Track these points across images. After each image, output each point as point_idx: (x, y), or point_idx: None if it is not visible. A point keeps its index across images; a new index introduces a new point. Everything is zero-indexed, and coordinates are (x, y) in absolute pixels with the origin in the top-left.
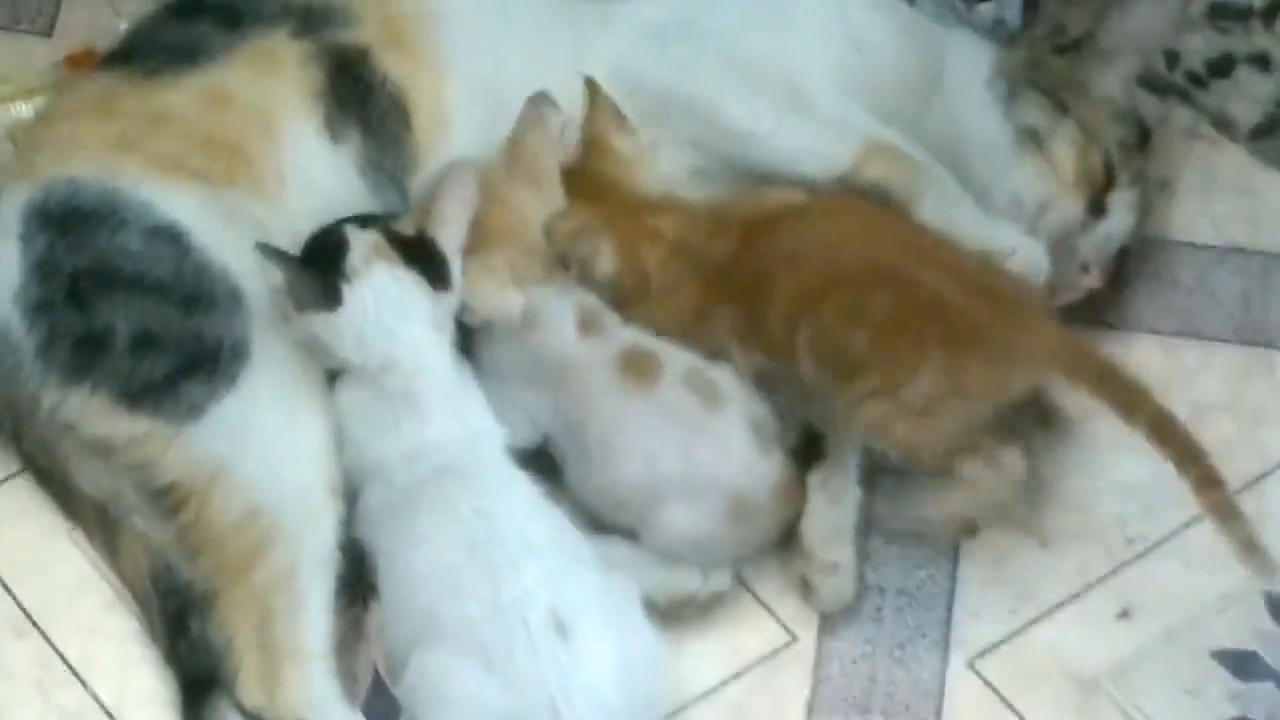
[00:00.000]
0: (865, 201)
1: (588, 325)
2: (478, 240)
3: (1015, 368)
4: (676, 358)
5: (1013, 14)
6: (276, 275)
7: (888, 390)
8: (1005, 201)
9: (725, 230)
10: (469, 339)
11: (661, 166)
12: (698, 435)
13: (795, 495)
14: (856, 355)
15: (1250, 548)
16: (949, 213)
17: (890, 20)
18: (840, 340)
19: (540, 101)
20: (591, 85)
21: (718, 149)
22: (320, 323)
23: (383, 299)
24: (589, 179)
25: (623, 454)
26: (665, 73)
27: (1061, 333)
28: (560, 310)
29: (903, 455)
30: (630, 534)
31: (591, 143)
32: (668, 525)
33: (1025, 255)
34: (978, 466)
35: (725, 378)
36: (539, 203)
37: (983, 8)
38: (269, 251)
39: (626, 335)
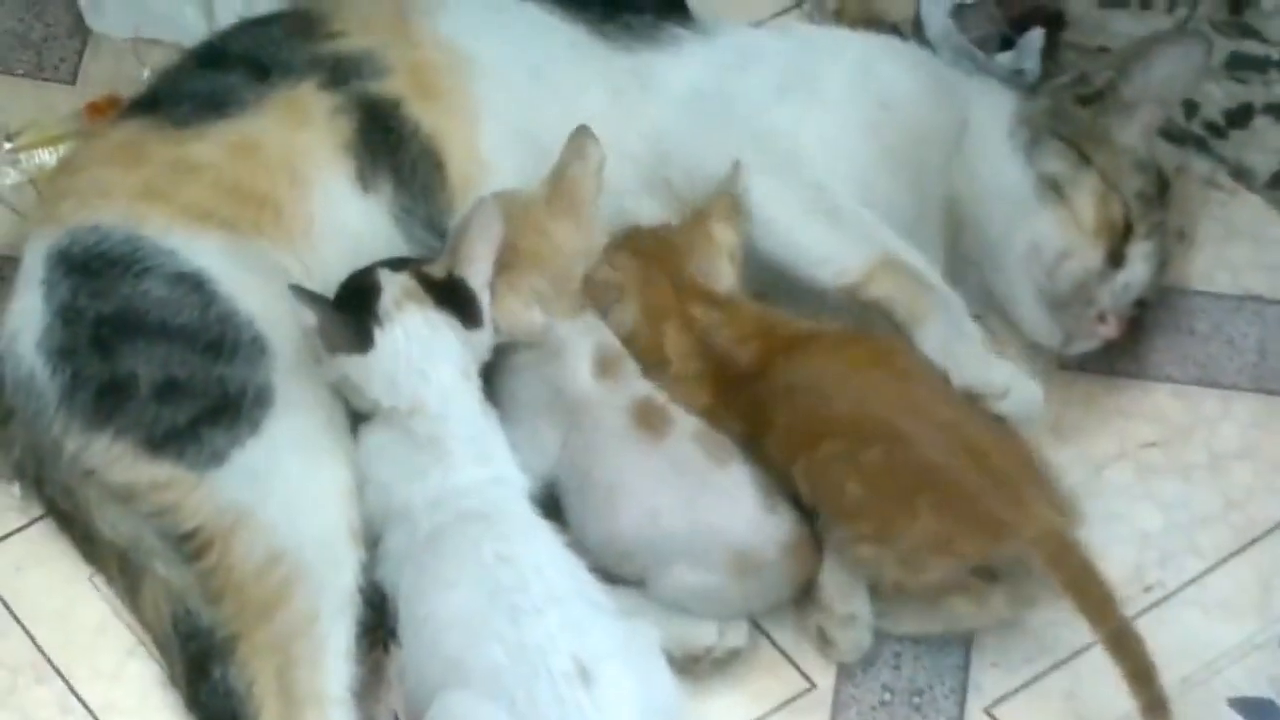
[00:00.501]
0: (878, 340)
1: (607, 367)
2: (508, 262)
3: (1003, 543)
4: (685, 416)
5: (1031, 63)
6: (308, 317)
7: (879, 539)
8: (1024, 250)
9: (752, 341)
10: (490, 374)
11: None
12: (703, 489)
13: (807, 554)
14: (850, 501)
15: None
16: (950, 344)
17: (915, 74)
18: (834, 483)
19: (583, 135)
20: (735, 169)
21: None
22: (352, 365)
23: (414, 341)
24: (665, 243)
25: (625, 505)
26: (696, 146)
27: (1051, 518)
28: (580, 346)
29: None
30: (637, 583)
31: (696, 215)
32: (672, 581)
33: (1019, 396)
34: (963, 602)
35: (729, 443)
36: (573, 234)
37: (1001, 57)
38: (301, 293)
39: (642, 386)
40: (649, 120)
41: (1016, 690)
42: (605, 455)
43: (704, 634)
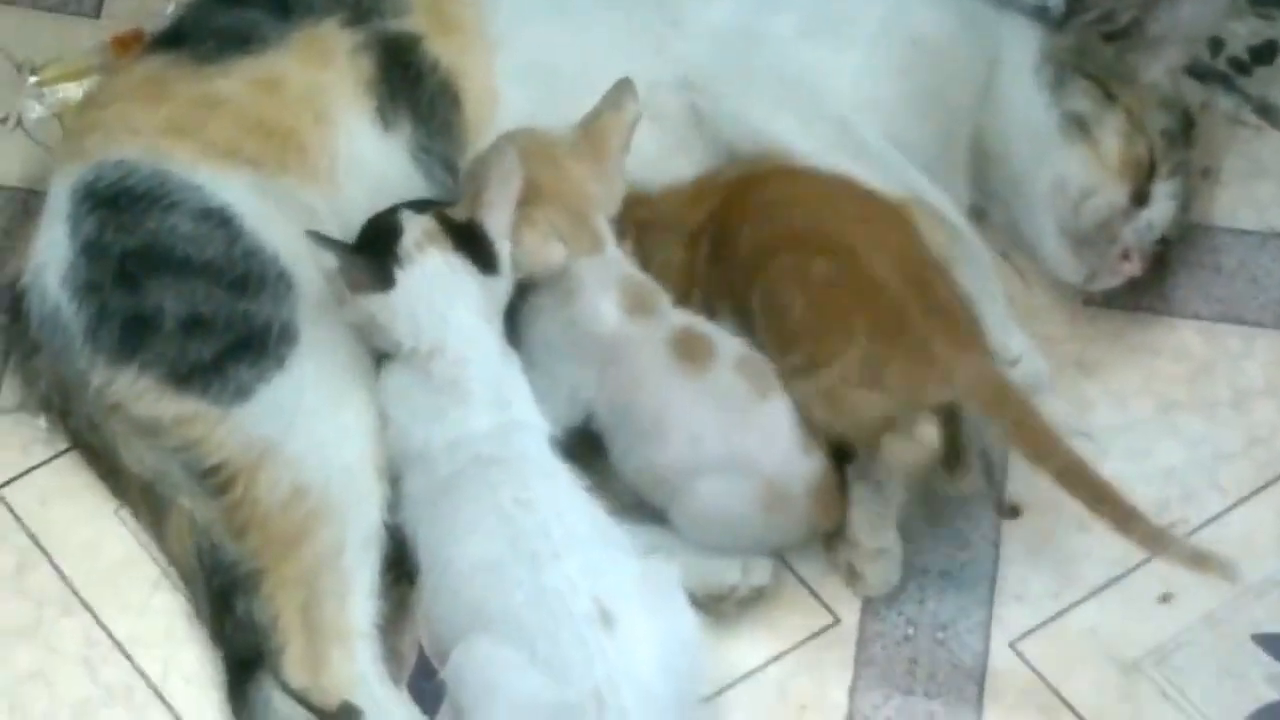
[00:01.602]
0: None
1: (637, 304)
2: (527, 197)
3: (933, 380)
4: (729, 343)
5: None
6: (328, 259)
7: (813, 365)
8: (1049, 187)
9: (707, 196)
10: (515, 319)
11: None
12: (745, 420)
13: (831, 500)
14: (793, 321)
15: (1198, 559)
16: (978, 292)
17: (946, 10)
18: (782, 303)
19: (623, 87)
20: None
21: (754, 156)
22: (375, 304)
23: (434, 282)
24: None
25: (670, 433)
26: (724, 84)
27: (988, 365)
28: (597, 284)
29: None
30: (661, 518)
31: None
32: (700, 498)
33: (1028, 368)
34: (894, 439)
35: (774, 375)
36: (595, 178)
37: None
38: (319, 239)
39: (679, 317)
40: (675, 56)
41: (1041, 625)
42: (648, 386)
43: (728, 573)
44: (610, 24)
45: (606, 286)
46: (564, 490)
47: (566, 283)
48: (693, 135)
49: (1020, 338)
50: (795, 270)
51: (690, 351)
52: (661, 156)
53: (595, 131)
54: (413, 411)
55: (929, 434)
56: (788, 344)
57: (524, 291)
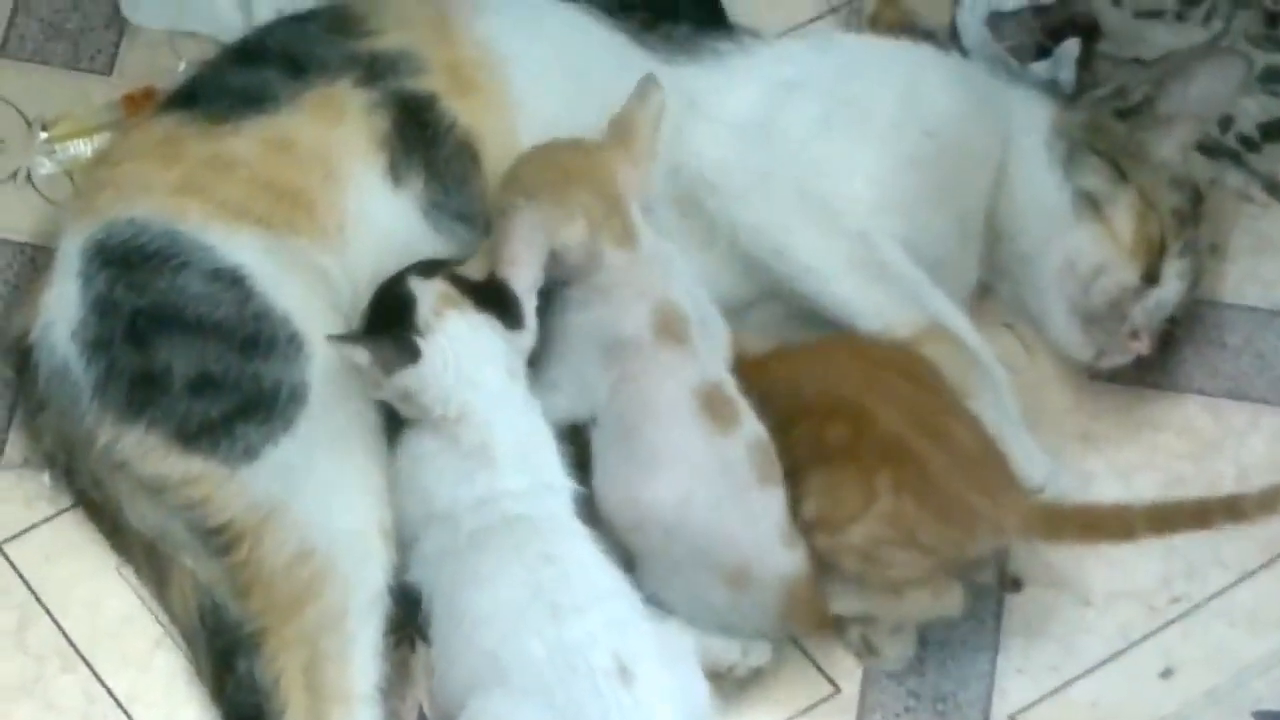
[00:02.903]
0: (843, 334)
1: (667, 329)
2: (558, 180)
3: (976, 531)
4: (752, 422)
5: (1066, 74)
6: (358, 354)
7: (837, 526)
8: (1059, 265)
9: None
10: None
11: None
12: (736, 499)
13: (804, 607)
14: (814, 484)
15: None
16: (995, 424)
17: (958, 94)
18: (801, 470)
19: (648, 81)
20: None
21: (773, 271)
22: (407, 379)
23: (458, 346)
24: None
25: (663, 473)
26: (743, 189)
27: (1022, 495)
28: (634, 289)
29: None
30: (627, 561)
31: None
32: (672, 554)
33: (1054, 488)
34: (922, 594)
35: (778, 463)
36: (624, 161)
37: (1036, 66)
38: (341, 338)
39: (715, 369)
40: (690, 141)
41: (1042, 698)
42: (661, 419)
43: (728, 652)
44: (625, 95)
45: (640, 294)
46: (587, 549)
47: (600, 279)
48: (689, 229)
49: (1041, 459)
50: (811, 438)
51: (716, 410)
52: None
53: (623, 123)
54: (439, 475)
55: (955, 599)
56: (809, 499)
57: (556, 283)
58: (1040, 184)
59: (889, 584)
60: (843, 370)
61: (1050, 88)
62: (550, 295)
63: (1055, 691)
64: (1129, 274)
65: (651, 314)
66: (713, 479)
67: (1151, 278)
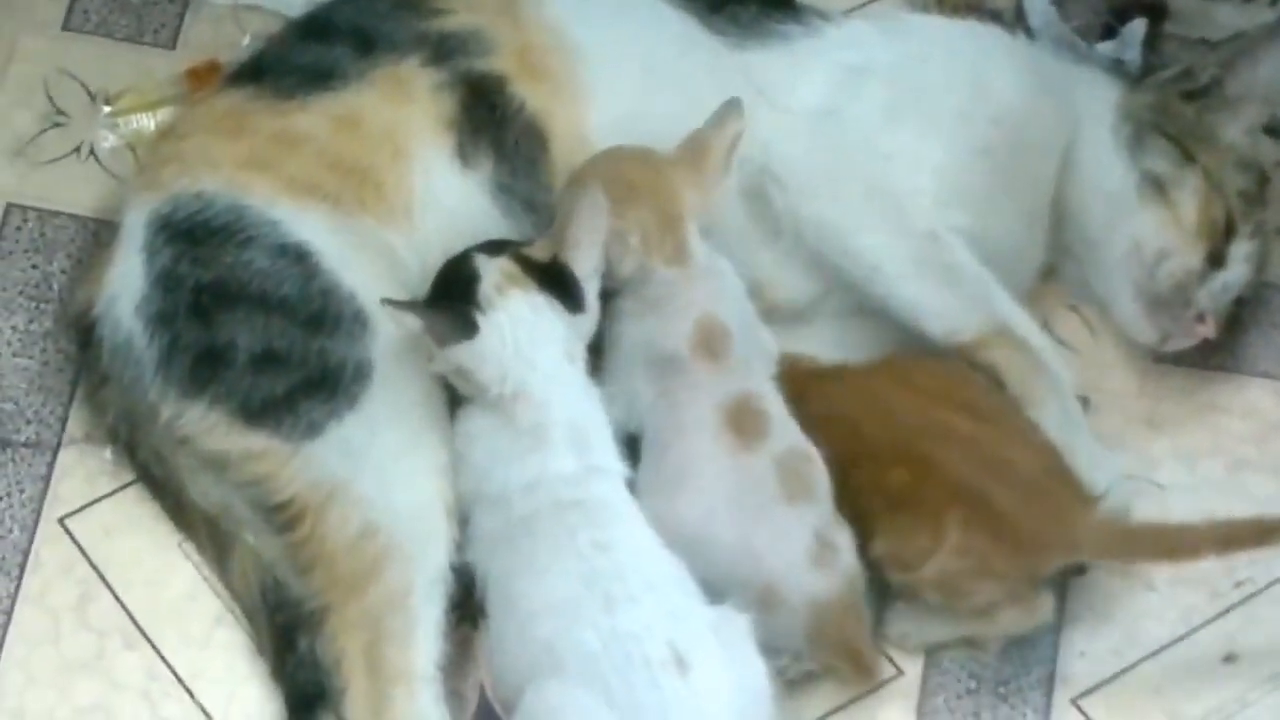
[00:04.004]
0: (898, 361)
1: (709, 345)
2: (619, 196)
3: (1049, 556)
4: (784, 432)
5: (1132, 54)
6: (410, 321)
7: (911, 564)
8: (1125, 249)
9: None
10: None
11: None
12: (761, 517)
13: (837, 618)
14: (882, 526)
15: None
16: (1059, 430)
17: (1026, 80)
18: (866, 510)
19: (729, 106)
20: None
21: (838, 268)
22: (462, 353)
23: (518, 325)
24: None
25: (689, 492)
26: (811, 184)
27: (1091, 516)
28: (681, 304)
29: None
30: None
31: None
32: (704, 570)
33: (1119, 492)
34: (1015, 614)
35: (821, 478)
36: (691, 186)
37: (1102, 46)
38: (396, 303)
39: (748, 381)
40: (758, 127)
41: (1104, 682)
42: (686, 436)
43: (778, 655)
44: (699, 82)
45: (686, 311)
46: (640, 536)
47: (649, 292)
48: (755, 222)
49: (1107, 464)
50: (874, 482)
51: (741, 424)
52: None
53: (697, 143)
54: (493, 454)
55: (1046, 606)
56: (878, 540)
57: (611, 293)
58: (1106, 167)
59: (977, 609)
60: (900, 410)
61: (1116, 69)
62: (606, 304)
63: (1118, 676)
64: (1194, 257)
65: (694, 330)
66: (736, 495)
67: (1217, 261)
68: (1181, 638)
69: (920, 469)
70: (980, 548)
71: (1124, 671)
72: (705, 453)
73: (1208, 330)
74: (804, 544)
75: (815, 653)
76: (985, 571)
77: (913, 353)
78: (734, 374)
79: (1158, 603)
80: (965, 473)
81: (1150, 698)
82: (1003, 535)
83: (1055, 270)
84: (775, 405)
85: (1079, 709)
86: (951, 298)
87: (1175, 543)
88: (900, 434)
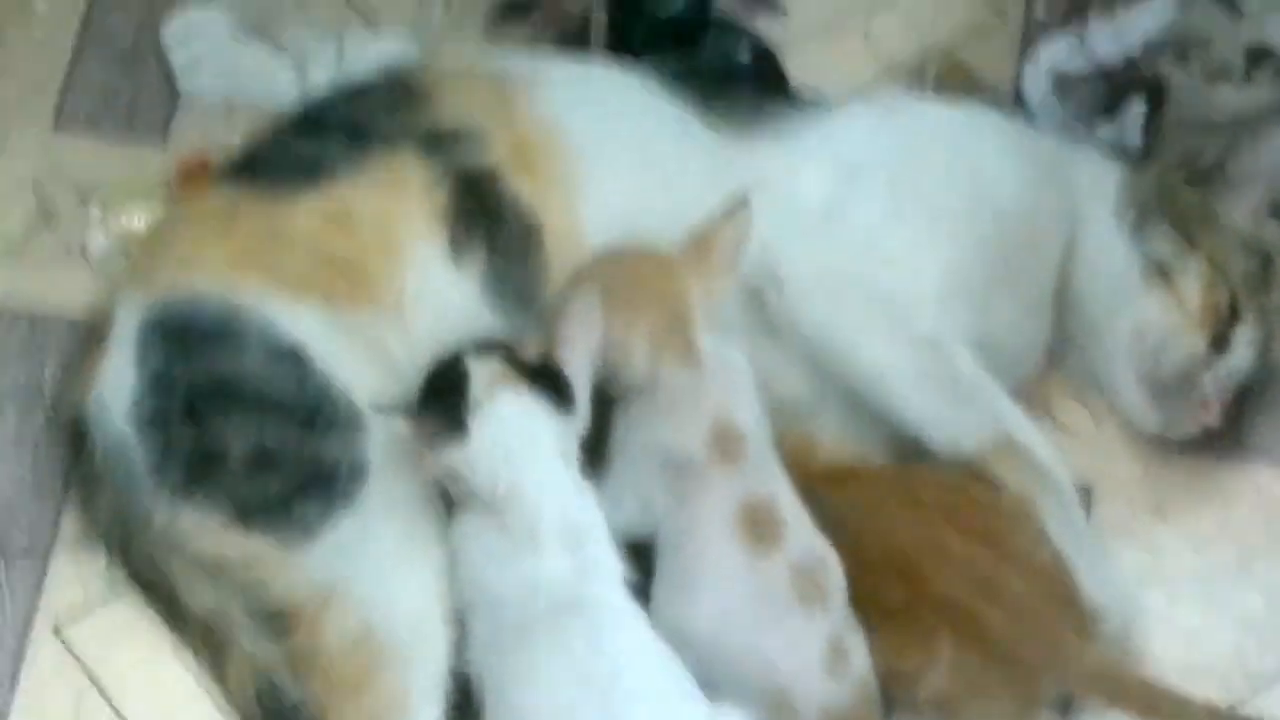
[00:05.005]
0: (900, 472)
1: (725, 446)
2: (625, 299)
3: (1040, 684)
4: (799, 537)
5: (1133, 136)
6: (400, 425)
7: (907, 682)
8: (1128, 335)
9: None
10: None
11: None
12: (774, 624)
13: None
14: (879, 642)
15: None
16: (1062, 544)
17: (1028, 169)
18: (866, 623)
19: (740, 205)
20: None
21: (837, 374)
22: (453, 457)
23: (509, 426)
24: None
25: (701, 599)
26: (810, 286)
27: (1087, 652)
28: (692, 407)
29: None
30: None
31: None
32: (719, 679)
33: (1122, 611)
34: None
35: (836, 582)
36: (698, 278)
37: (1103, 130)
38: (384, 409)
39: (764, 481)
40: (757, 226)
41: None
42: (699, 539)
43: None
44: (695, 177)
45: (700, 414)
46: (636, 637)
47: (657, 395)
48: (752, 320)
49: (1111, 581)
50: (872, 594)
51: (756, 528)
52: None
53: (703, 238)
54: (486, 557)
55: None
56: (876, 654)
57: (617, 398)
58: (1109, 253)
59: None
60: (900, 524)
61: (1117, 152)
62: (611, 408)
63: None
64: (1198, 343)
65: (709, 433)
66: (750, 601)
67: (1221, 346)
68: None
69: (915, 586)
70: (973, 668)
71: None
72: (719, 556)
73: (1212, 417)
74: (817, 651)
75: None
76: (979, 692)
77: (920, 463)
78: (748, 475)
79: None
80: (959, 595)
81: None
82: (994, 657)
83: (1058, 357)
84: (790, 508)
85: None
86: (953, 410)
87: (1159, 708)
88: (898, 548)
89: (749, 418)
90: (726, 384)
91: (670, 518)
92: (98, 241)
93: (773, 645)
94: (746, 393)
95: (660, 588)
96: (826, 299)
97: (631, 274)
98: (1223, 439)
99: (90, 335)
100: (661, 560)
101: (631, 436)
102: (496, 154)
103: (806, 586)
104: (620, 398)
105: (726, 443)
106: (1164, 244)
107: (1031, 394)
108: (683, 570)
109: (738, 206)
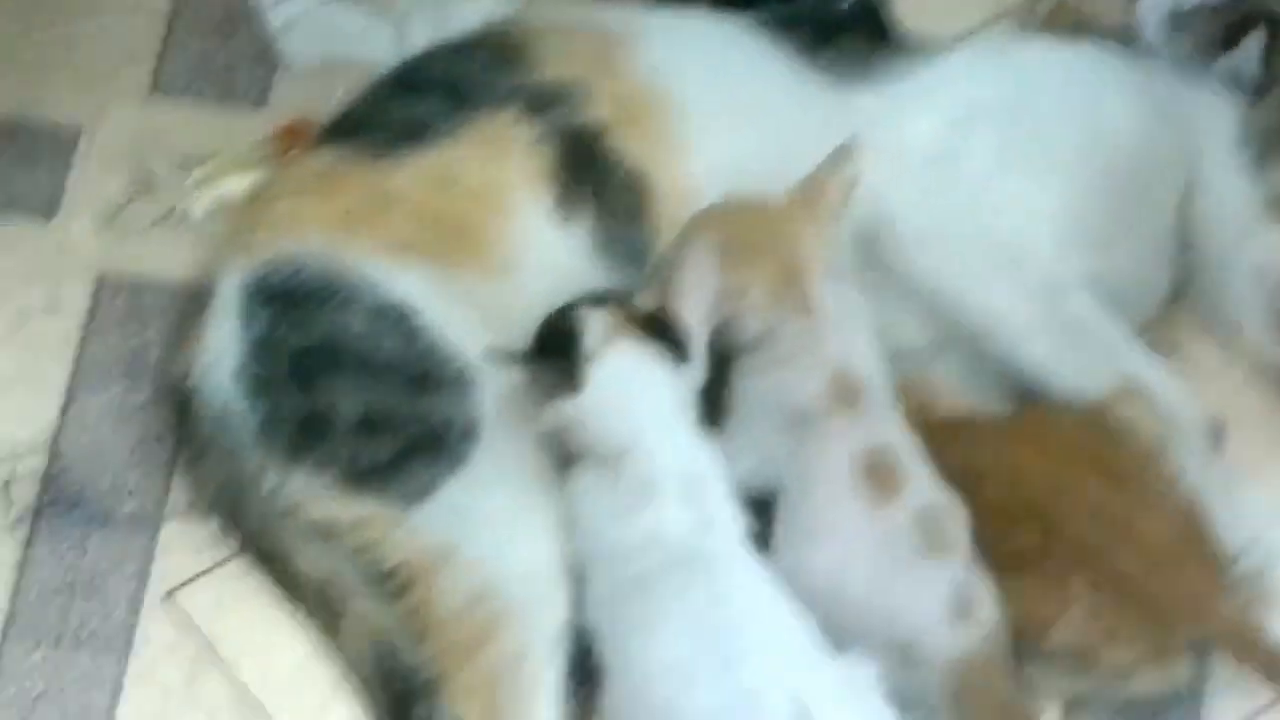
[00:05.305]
0: (1027, 414)
1: (845, 395)
2: (734, 254)
3: (1175, 627)
4: (920, 486)
5: (1251, 68)
6: (514, 374)
7: (1038, 631)
8: (1250, 273)
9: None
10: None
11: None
12: (897, 573)
13: (980, 678)
14: (1009, 592)
15: None
16: (1197, 485)
17: (1143, 106)
18: (994, 573)
19: (846, 147)
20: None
21: (954, 323)
22: (567, 409)
23: (626, 377)
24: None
25: (822, 548)
26: (923, 234)
27: (1223, 606)
28: (810, 357)
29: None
30: None
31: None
32: (842, 631)
33: (1254, 560)
34: (1149, 671)
35: (959, 530)
36: (810, 227)
37: (1221, 64)
38: (500, 355)
39: (885, 431)
40: (868, 175)
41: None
42: (820, 490)
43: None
44: (803, 126)
45: (815, 361)
46: (757, 587)
47: (775, 347)
48: (859, 270)
49: (1247, 522)
50: (1000, 542)
51: (875, 477)
52: None
53: (811, 190)
54: (603, 512)
55: (1182, 672)
56: (1006, 601)
57: (737, 351)
58: (1230, 188)
59: (1111, 673)
60: (1028, 470)
61: (1236, 84)
62: (730, 361)
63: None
64: None
65: (829, 382)
66: (872, 550)
67: None
68: None
69: (1047, 531)
70: (1107, 614)
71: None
72: (841, 506)
73: None
74: (942, 601)
75: (959, 712)
76: (1114, 637)
77: (1046, 407)
78: (868, 424)
79: None
80: (1092, 536)
81: None
82: (1129, 602)
83: (1186, 295)
84: (911, 457)
85: None
86: (1077, 357)
87: None
88: (1026, 493)
89: (868, 365)
90: (845, 331)
91: (791, 468)
92: (198, 208)
93: (895, 595)
94: (865, 339)
95: (782, 539)
96: (941, 247)
97: (745, 225)
98: None
99: (192, 302)
100: (783, 511)
101: (750, 388)
102: (601, 111)
103: (929, 536)
104: (738, 349)
105: (845, 391)
106: None
107: (1160, 332)
108: (803, 521)
109: (846, 151)
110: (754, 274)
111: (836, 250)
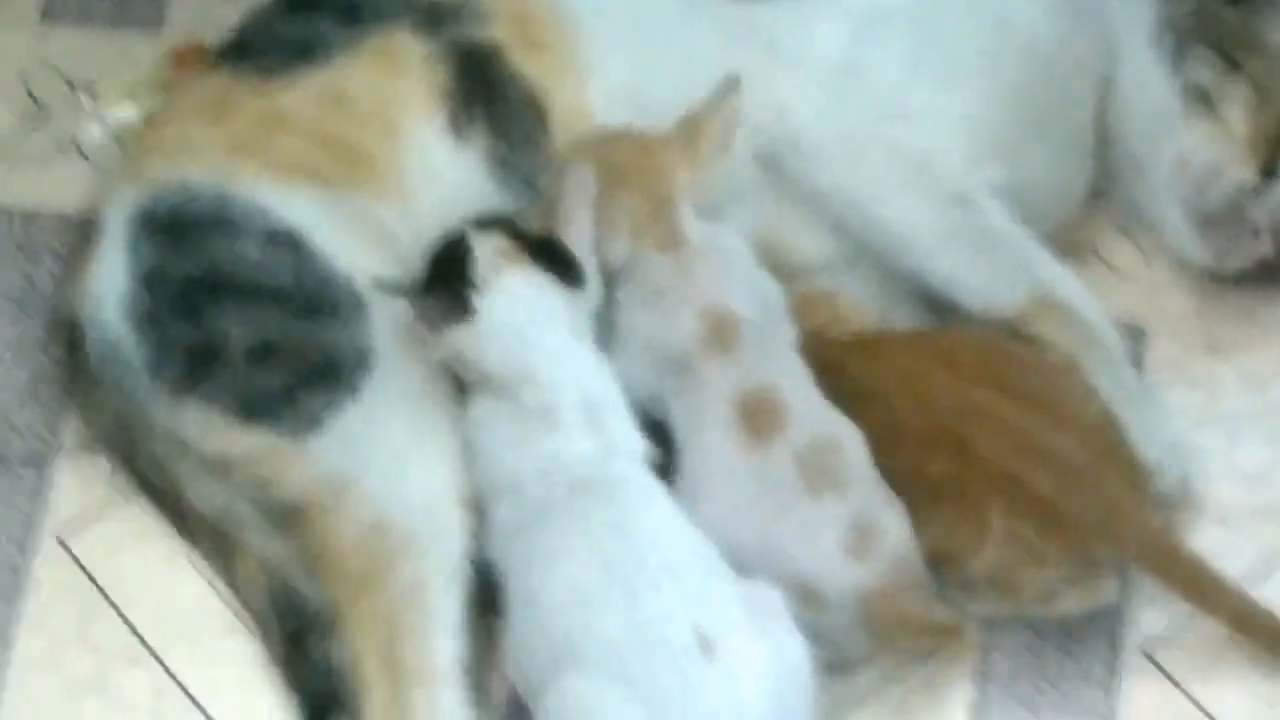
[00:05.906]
0: (940, 336)
1: (720, 334)
2: (606, 178)
3: (1096, 546)
4: (805, 423)
5: None
6: (401, 305)
7: (958, 557)
8: (1171, 166)
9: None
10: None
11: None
12: (783, 515)
13: (891, 608)
14: (926, 517)
15: None
16: (1112, 401)
17: (1053, 6)
18: (910, 499)
19: (728, 85)
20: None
21: (863, 240)
22: (459, 337)
23: (519, 303)
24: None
25: (705, 498)
26: (831, 148)
27: (1143, 521)
28: (679, 293)
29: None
30: None
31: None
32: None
33: (1174, 470)
34: (1076, 595)
35: (855, 462)
36: (683, 167)
37: None
38: (385, 284)
39: (761, 370)
40: (772, 90)
41: (1177, 630)
42: (700, 436)
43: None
44: (705, 44)
45: (683, 298)
46: (660, 515)
47: (646, 281)
48: (763, 188)
49: (1163, 434)
50: (914, 470)
51: (755, 419)
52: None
53: (691, 122)
54: (503, 440)
55: (1109, 589)
56: (922, 535)
57: (609, 282)
58: (1147, 82)
59: (1034, 597)
60: (938, 391)
61: None
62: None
63: (1192, 623)
64: (1246, 170)
65: (698, 321)
66: (754, 496)
67: (1270, 173)
68: (1260, 575)
69: (960, 455)
70: (1026, 537)
71: (1198, 617)
72: (720, 453)
73: (1264, 246)
74: (835, 537)
75: (881, 643)
76: (1036, 560)
77: (953, 325)
78: (746, 364)
79: (1233, 539)
80: (1006, 459)
81: (1228, 645)
82: (1049, 523)
83: (1104, 194)
84: (796, 393)
85: (1151, 660)
86: (989, 269)
87: (1203, 593)
88: (938, 417)
89: (745, 303)
90: (717, 269)
91: (676, 412)
92: (91, 134)
93: (784, 537)
94: (741, 275)
95: (677, 484)
96: (848, 160)
97: (614, 155)
98: (1277, 270)
99: (84, 232)
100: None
101: (627, 323)
102: (498, 29)
103: (814, 473)
104: (610, 280)
105: (720, 332)
106: (1204, 69)
107: (1078, 234)
108: (688, 470)
109: (728, 88)
110: (618, 203)
111: (712, 189)
